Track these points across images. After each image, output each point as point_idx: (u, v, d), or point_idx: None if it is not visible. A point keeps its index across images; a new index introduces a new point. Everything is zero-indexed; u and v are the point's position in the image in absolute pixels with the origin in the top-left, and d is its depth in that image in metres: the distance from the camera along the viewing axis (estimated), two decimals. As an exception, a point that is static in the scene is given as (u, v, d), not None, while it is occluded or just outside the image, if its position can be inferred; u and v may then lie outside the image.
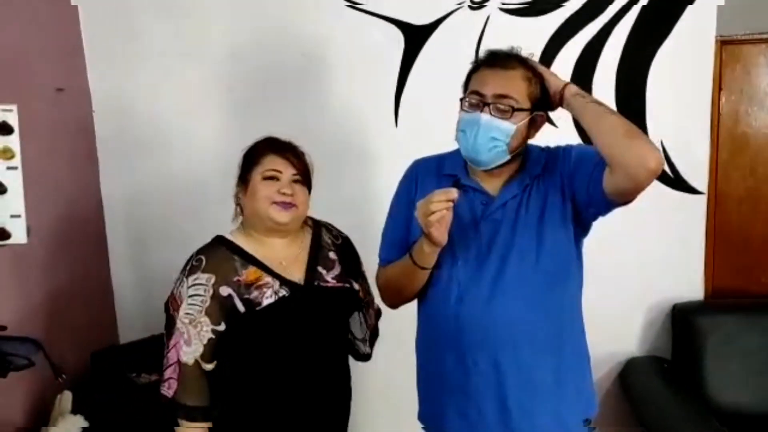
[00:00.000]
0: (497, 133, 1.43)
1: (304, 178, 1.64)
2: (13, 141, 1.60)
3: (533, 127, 1.50)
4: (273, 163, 1.59)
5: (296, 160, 1.62)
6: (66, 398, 2.06)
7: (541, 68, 1.52)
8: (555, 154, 1.55)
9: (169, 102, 2.63)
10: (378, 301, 1.91)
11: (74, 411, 2.05)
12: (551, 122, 2.46)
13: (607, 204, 1.43)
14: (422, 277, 1.55)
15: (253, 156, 1.63)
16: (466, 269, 1.51)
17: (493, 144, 1.44)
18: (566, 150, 1.54)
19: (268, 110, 2.58)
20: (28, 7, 2.22)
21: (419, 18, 2.49)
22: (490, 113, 1.43)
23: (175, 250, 1.67)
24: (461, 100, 1.51)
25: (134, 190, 2.68)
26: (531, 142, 1.55)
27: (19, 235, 1.63)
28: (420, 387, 1.70)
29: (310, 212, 1.72)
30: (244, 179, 1.63)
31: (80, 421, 2.02)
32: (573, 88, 1.48)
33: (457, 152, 1.57)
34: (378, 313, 1.92)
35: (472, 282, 1.50)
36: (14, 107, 1.61)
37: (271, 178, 1.58)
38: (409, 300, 1.66)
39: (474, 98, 1.46)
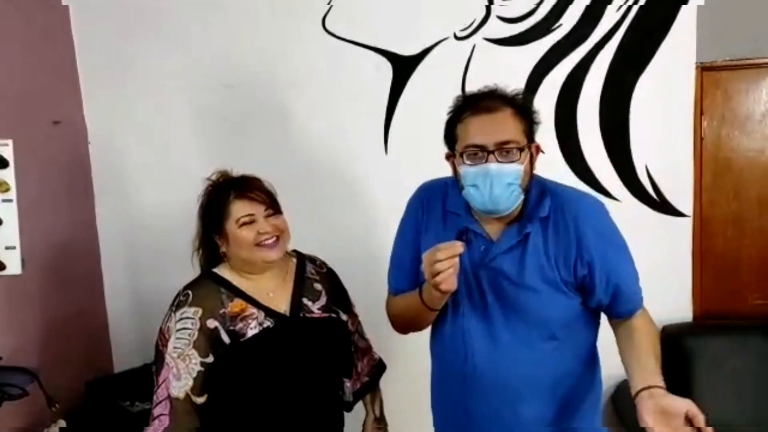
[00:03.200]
0: (510, 177, 1.38)
1: (275, 207, 1.64)
2: (8, 175, 1.65)
3: (533, 159, 1.45)
4: (242, 209, 1.59)
5: (261, 194, 1.62)
6: (60, 427, 2.07)
7: None
8: (567, 212, 1.46)
9: (163, 133, 2.68)
10: (384, 354, 1.94)
11: (68, 440, 2.07)
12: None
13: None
14: (431, 317, 1.54)
15: (220, 207, 1.61)
16: (468, 319, 1.50)
17: (510, 190, 1.38)
18: (590, 237, 1.44)
19: (261, 140, 2.64)
20: (24, 41, 2.27)
21: (407, 49, 2.55)
22: (497, 160, 1.37)
23: (170, 280, 1.68)
24: (454, 154, 1.45)
25: (129, 220, 2.72)
26: None
27: (14, 266, 1.67)
28: (434, 419, 1.70)
29: (299, 240, 1.74)
30: (219, 232, 1.61)
31: (74, 450, 2.04)
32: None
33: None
34: (380, 367, 1.90)
35: (475, 333, 1.49)
36: (10, 142, 1.67)
37: (248, 222, 1.58)
38: (421, 330, 1.64)
39: (473, 150, 1.39)
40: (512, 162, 1.37)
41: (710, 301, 2.60)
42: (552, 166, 2.50)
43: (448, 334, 1.55)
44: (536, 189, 1.48)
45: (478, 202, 1.41)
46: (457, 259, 1.33)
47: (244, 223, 1.58)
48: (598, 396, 1.60)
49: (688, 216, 2.53)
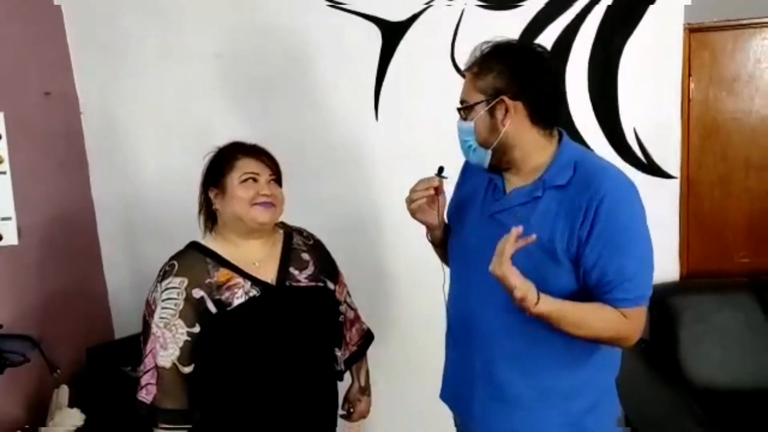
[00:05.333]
0: (463, 134, 1.49)
1: (279, 178, 1.68)
2: (0, 147, 1.67)
3: (497, 113, 1.42)
4: (249, 165, 1.62)
5: (269, 160, 1.66)
6: (63, 392, 2.13)
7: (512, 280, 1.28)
8: (590, 183, 1.39)
9: (156, 103, 2.69)
10: (375, 321, 1.98)
11: (71, 405, 2.12)
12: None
13: None
14: (440, 254, 1.71)
15: (225, 161, 1.64)
16: (468, 265, 1.54)
17: (467, 145, 1.48)
18: (600, 225, 1.36)
19: (252, 109, 2.65)
20: (12, 13, 2.27)
21: (395, 14, 2.55)
22: (460, 119, 1.50)
23: (167, 247, 1.71)
24: None
25: (124, 189, 2.74)
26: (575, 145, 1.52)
27: (10, 236, 1.70)
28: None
29: (292, 209, 1.76)
30: (217, 185, 1.64)
31: (78, 414, 2.09)
32: (542, 308, 1.32)
33: None
34: (368, 336, 1.93)
35: (468, 280, 1.54)
36: (1, 114, 1.68)
37: (249, 179, 1.61)
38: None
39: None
40: (465, 120, 1.48)
41: (697, 260, 2.64)
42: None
43: (452, 278, 1.64)
44: (566, 158, 1.45)
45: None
46: (432, 193, 1.52)
47: (246, 179, 1.60)
48: (593, 390, 1.51)
49: (676, 178, 2.55)
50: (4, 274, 2.10)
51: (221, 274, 1.59)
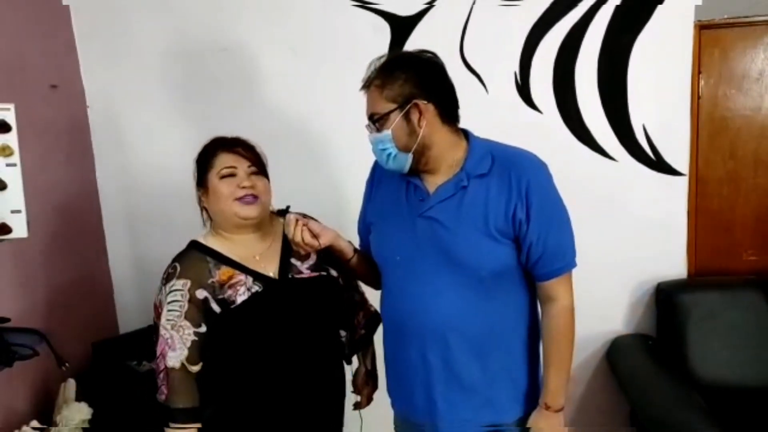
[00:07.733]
0: (381, 144, 1.55)
1: (260, 168, 1.66)
2: (11, 139, 1.65)
3: (413, 117, 1.51)
4: (226, 160, 1.61)
5: (247, 152, 1.64)
6: (70, 386, 2.12)
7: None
8: (511, 167, 1.55)
9: (161, 96, 2.68)
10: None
11: (78, 399, 2.11)
12: (533, 106, 2.53)
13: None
14: (353, 270, 1.78)
15: (205, 159, 1.65)
16: (404, 266, 1.61)
17: (386, 153, 1.55)
18: (536, 203, 1.53)
19: (257, 103, 2.64)
20: (19, 7, 2.25)
21: (405, 9, 2.54)
22: (373, 131, 1.57)
23: (172, 241, 1.71)
24: None
25: (129, 182, 2.74)
26: (482, 136, 1.63)
27: (19, 229, 1.68)
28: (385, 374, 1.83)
29: (295, 200, 1.76)
30: (202, 184, 1.65)
31: (86, 408, 2.08)
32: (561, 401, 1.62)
33: None
34: (375, 319, 1.91)
35: (408, 280, 1.60)
36: (12, 106, 1.65)
37: (228, 175, 1.61)
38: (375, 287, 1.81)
39: (367, 125, 1.59)
40: (379, 131, 1.54)
41: (705, 258, 2.63)
42: (550, 127, 2.53)
43: (386, 282, 1.69)
44: (481, 150, 1.58)
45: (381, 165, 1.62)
46: (302, 224, 1.60)
47: (225, 176, 1.60)
48: (534, 365, 1.67)
49: (685, 175, 2.55)
50: (13, 267, 2.09)
51: (222, 273, 1.59)
